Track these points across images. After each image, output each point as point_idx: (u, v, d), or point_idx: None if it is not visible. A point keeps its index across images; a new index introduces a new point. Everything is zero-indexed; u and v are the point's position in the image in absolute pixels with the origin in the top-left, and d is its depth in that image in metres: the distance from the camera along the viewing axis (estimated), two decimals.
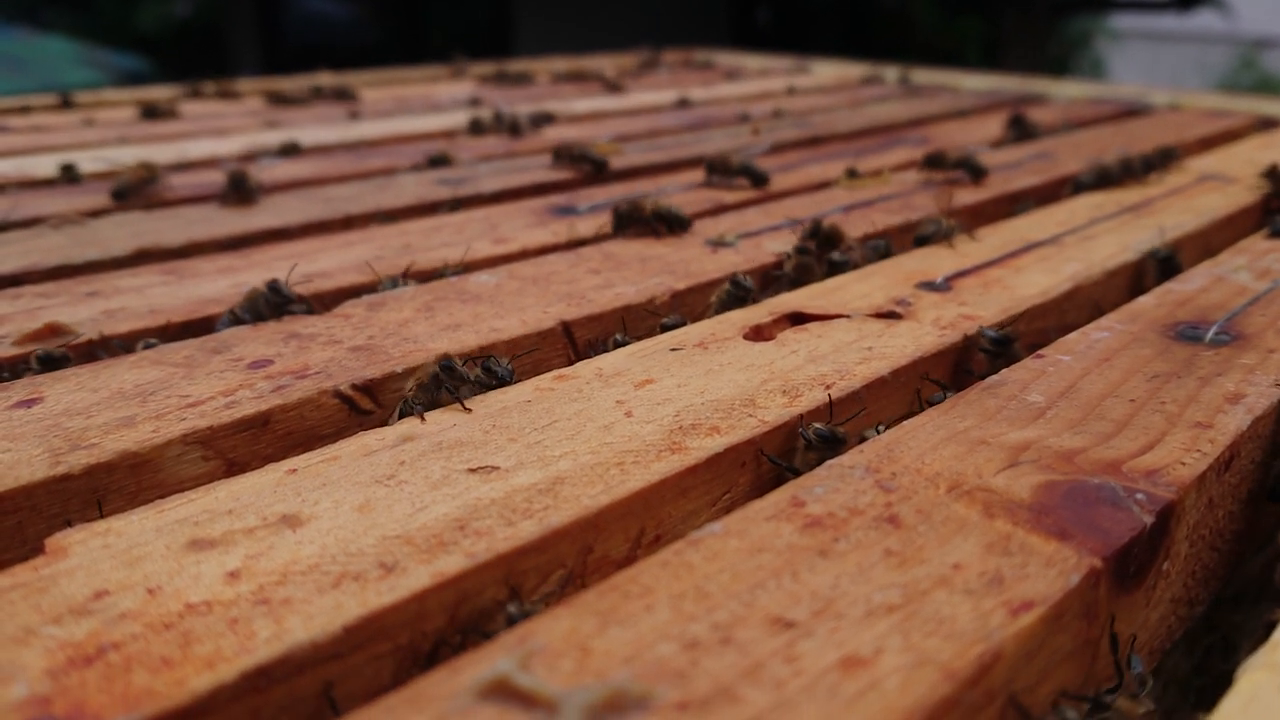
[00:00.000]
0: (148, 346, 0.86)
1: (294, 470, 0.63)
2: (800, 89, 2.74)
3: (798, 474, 0.64)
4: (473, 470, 0.64)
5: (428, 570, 0.53)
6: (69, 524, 0.58)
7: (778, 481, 0.68)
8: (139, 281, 1.03)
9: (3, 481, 0.62)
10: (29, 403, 0.73)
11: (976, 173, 1.48)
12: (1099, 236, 1.20)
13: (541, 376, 0.79)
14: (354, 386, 0.78)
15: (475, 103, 2.40)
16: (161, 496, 0.61)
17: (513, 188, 1.51)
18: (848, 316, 0.92)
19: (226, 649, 0.47)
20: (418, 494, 0.61)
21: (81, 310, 0.93)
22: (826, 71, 3.17)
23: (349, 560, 0.54)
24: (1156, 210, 1.33)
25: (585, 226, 1.25)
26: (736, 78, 3.05)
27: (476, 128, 1.94)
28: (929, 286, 1.01)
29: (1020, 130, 1.94)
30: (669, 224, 1.20)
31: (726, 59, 3.49)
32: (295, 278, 1.03)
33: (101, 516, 0.60)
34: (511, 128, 1.87)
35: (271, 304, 0.90)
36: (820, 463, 0.65)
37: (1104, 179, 1.46)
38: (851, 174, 1.53)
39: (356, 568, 0.53)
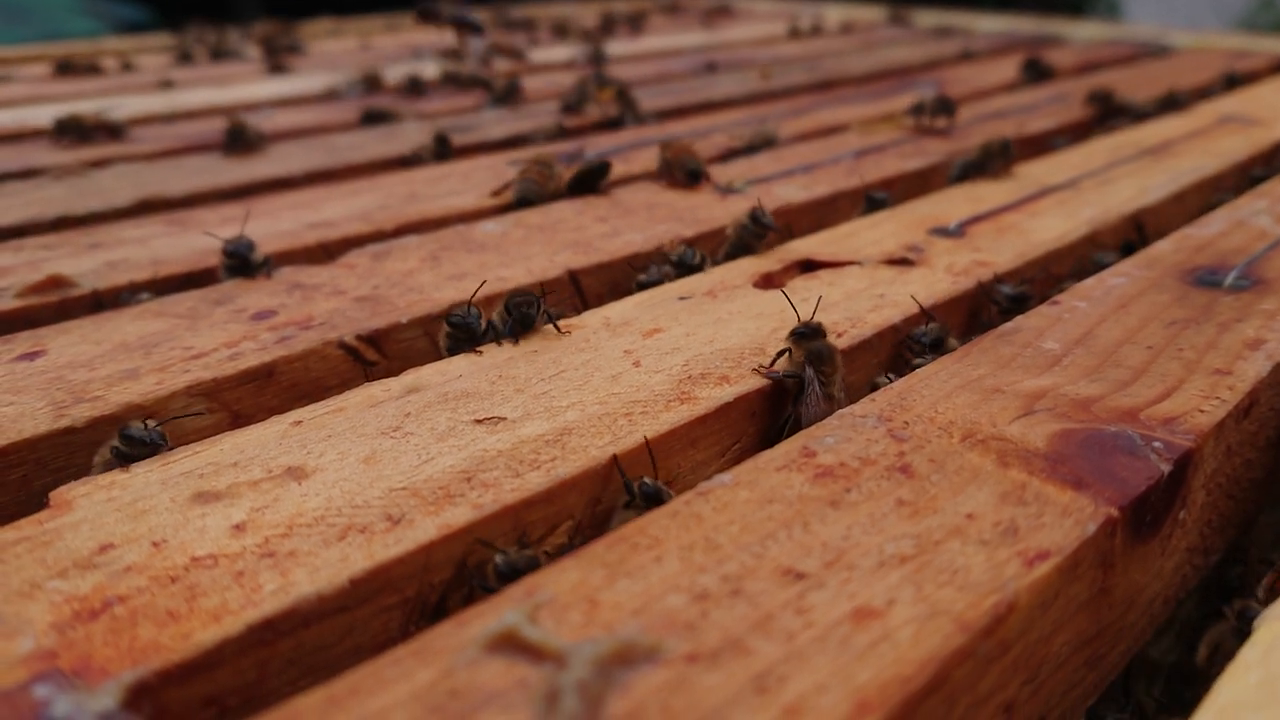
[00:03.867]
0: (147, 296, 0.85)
1: (299, 422, 0.63)
2: (812, 31, 2.69)
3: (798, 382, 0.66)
4: (479, 421, 0.63)
5: (434, 522, 0.52)
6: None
7: (788, 431, 0.67)
8: (141, 232, 1.01)
9: (7, 435, 0.62)
10: (32, 355, 0.72)
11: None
12: (1117, 180, 1.17)
13: (548, 326, 0.78)
14: (359, 337, 0.77)
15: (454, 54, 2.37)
16: (167, 449, 0.60)
17: (519, 134, 1.48)
18: (859, 264, 0.91)
19: (232, 602, 0.46)
20: (424, 445, 0.60)
21: (84, 262, 0.92)
22: (839, 14, 3.11)
23: (355, 513, 0.53)
24: (1176, 153, 1.30)
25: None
26: (747, 20, 3.00)
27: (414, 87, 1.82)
28: (942, 232, 0.99)
29: (1035, 73, 1.90)
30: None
31: (738, 2, 3.42)
32: (299, 227, 1.02)
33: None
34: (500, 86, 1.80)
35: (230, 269, 0.89)
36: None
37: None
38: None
39: (362, 520, 0.52)
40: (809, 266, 0.92)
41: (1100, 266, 0.96)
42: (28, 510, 0.54)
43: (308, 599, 0.47)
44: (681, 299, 0.83)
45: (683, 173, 1.17)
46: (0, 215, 1.06)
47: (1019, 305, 0.83)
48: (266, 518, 0.53)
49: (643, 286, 0.90)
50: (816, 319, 0.72)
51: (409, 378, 0.69)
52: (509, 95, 1.70)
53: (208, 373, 0.70)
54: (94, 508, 0.53)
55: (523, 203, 1.12)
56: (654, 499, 0.57)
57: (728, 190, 1.16)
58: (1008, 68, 2.02)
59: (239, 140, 1.35)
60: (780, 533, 0.50)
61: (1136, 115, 1.54)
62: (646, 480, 0.59)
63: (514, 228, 1.02)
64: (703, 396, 0.67)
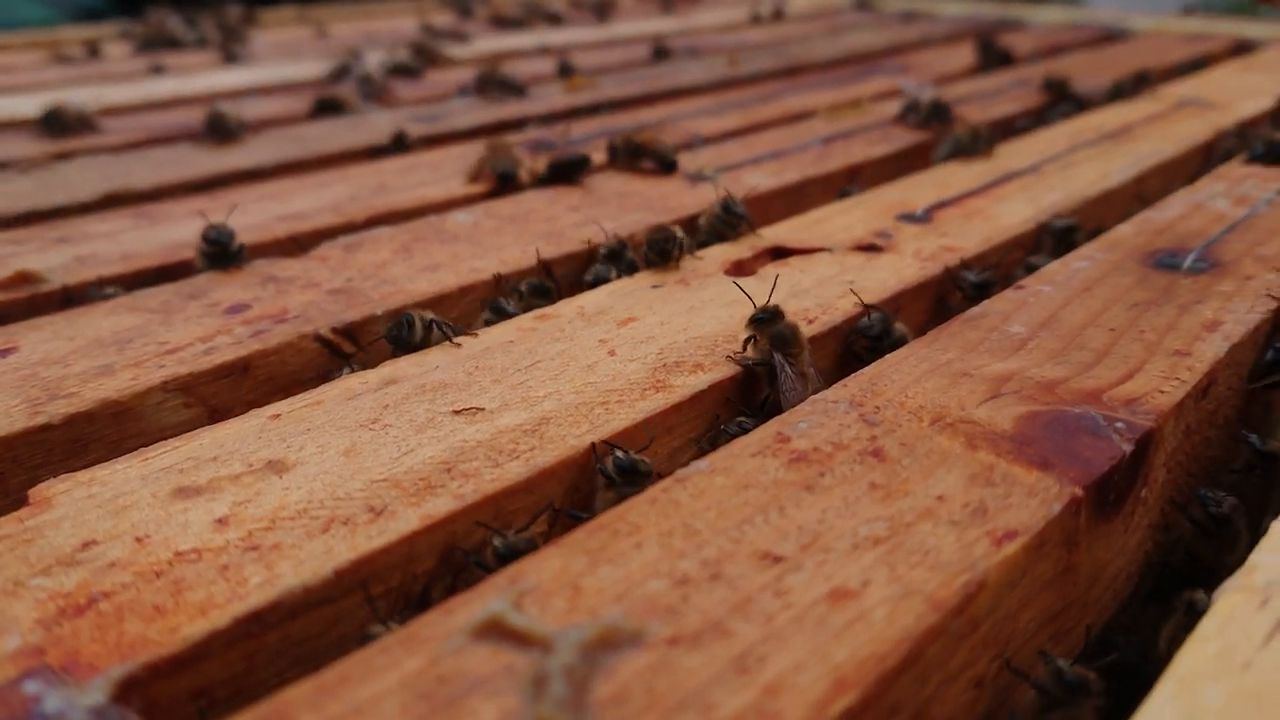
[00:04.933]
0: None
1: (277, 416, 0.63)
2: (774, 16, 2.70)
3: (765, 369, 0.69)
4: (458, 412, 0.63)
5: (416, 513, 0.53)
6: None
7: (763, 418, 0.68)
8: (109, 226, 1.01)
9: None
10: (4, 352, 0.72)
11: None
12: (1079, 164, 1.19)
13: (523, 316, 0.79)
14: (334, 330, 0.77)
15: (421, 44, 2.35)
16: (144, 445, 0.60)
17: (489, 123, 1.48)
18: (829, 250, 0.92)
19: (218, 595, 0.47)
20: (403, 437, 0.60)
21: (52, 256, 0.92)
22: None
23: (337, 505, 0.54)
24: (1136, 137, 1.32)
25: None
26: (713, 6, 3.00)
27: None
28: (910, 218, 1.01)
29: (990, 56, 1.92)
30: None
31: None
32: (269, 219, 1.02)
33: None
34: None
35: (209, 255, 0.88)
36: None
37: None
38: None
39: (345, 512, 0.53)
40: (780, 254, 0.93)
41: (1053, 233, 0.98)
42: (6, 508, 0.54)
43: (293, 591, 0.48)
44: (655, 287, 0.84)
45: (655, 161, 1.18)
46: None
47: (983, 292, 0.85)
48: (249, 511, 0.53)
49: (592, 285, 0.89)
50: (774, 302, 0.73)
51: (386, 369, 0.69)
52: (486, 85, 1.69)
53: (183, 367, 0.70)
54: (74, 504, 0.53)
55: (505, 178, 1.13)
56: (630, 472, 0.58)
57: (698, 178, 1.17)
58: (970, 52, 2.04)
59: (217, 130, 1.33)
60: (757, 517, 0.51)
61: (1088, 104, 1.56)
62: (619, 454, 0.59)
63: (485, 218, 1.03)
64: (678, 384, 0.68)
